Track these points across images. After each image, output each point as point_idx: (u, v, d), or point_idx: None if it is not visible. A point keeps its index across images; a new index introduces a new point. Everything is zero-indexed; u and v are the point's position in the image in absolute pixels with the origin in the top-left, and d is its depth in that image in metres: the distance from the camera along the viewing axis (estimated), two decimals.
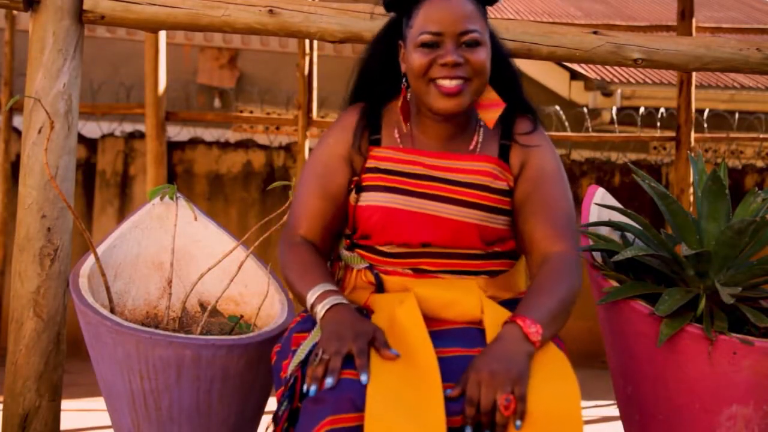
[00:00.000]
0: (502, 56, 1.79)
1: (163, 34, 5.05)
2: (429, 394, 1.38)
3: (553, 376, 1.42)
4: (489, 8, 1.76)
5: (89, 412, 3.73)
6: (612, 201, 2.04)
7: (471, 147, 1.74)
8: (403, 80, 1.75)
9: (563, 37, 2.09)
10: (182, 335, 1.76)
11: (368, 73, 1.82)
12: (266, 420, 1.76)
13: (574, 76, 7.56)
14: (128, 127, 6.38)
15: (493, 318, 1.56)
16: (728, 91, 7.49)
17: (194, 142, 6.19)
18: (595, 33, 2.10)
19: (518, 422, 1.35)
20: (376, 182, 1.71)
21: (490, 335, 1.53)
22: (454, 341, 1.54)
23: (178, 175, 6.07)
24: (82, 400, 3.96)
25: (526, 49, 2.03)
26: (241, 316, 2.00)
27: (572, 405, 1.37)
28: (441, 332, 1.56)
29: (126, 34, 7.61)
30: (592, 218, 1.96)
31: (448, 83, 1.64)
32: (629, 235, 1.92)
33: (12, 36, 5.75)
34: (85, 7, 2.00)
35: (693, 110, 5.43)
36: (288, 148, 6.26)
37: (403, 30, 1.73)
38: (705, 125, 6.35)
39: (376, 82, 1.80)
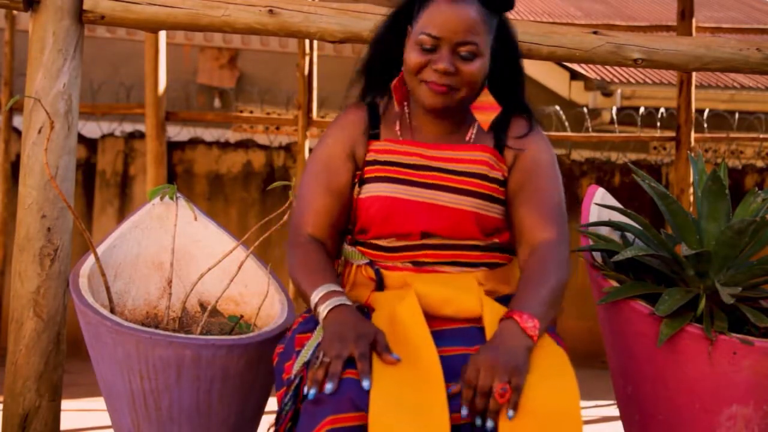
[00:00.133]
0: (514, 57, 1.80)
1: (163, 34, 5.05)
2: (432, 393, 1.39)
3: (552, 373, 1.43)
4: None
5: (89, 412, 3.73)
6: (612, 201, 2.04)
7: (467, 138, 1.77)
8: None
9: (563, 37, 2.09)
10: (182, 335, 1.76)
11: (377, 56, 1.81)
12: (266, 420, 1.76)
13: (574, 76, 7.56)
14: (128, 127, 6.38)
15: (493, 316, 1.57)
16: (728, 91, 7.49)
17: (194, 142, 6.19)
18: (595, 33, 2.10)
19: (510, 412, 1.35)
20: (376, 173, 1.73)
21: (489, 333, 1.53)
22: (455, 340, 1.55)
23: (178, 175, 6.07)
24: (82, 400, 3.96)
25: (526, 49, 2.03)
26: (241, 316, 2.00)
27: (571, 401, 1.38)
28: (442, 332, 1.57)
29: (126, 34, 7.60)
30: (592, 218, 1.96)
31: (437, 84, 1.66)
32: (629, 235, 1.92)
33: (12, 36, 5.74)
34: (85, 7, 2.00)
35: (693, 110, 5.43)
36: (288, 148, 6.26)
37: (412, 17, 1.73)
38: (705, 125, 6.34)
39: (385, 65, 1.79)
